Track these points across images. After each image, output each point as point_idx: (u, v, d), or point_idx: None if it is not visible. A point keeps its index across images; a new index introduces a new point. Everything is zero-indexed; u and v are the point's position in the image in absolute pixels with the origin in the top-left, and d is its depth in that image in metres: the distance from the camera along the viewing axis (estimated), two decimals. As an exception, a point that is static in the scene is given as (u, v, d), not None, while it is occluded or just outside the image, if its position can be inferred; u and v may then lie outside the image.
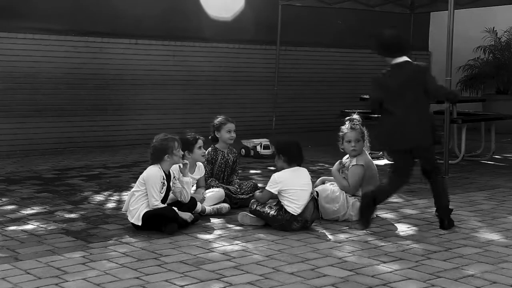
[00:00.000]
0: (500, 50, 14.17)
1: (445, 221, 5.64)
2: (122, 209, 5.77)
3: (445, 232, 5.58)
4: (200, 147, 6.25)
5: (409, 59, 5.58)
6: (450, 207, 5.72)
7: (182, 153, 5.78)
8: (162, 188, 5.58)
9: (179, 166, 5.83)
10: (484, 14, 13.67)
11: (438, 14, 14.45)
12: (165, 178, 5.60)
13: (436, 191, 5.67)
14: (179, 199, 5.79)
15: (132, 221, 5.53)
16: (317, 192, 5.81)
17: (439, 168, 5.79)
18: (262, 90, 12.67)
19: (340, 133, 6.21)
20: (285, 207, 5.57)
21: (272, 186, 5.66)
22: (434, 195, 5.70)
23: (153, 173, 5.56)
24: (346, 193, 5.98)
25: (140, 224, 5.48)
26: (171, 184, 5.68)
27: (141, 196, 5.55)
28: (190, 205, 5.84)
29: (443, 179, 5.83)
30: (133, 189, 5.64)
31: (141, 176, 5.62)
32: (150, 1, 11.55)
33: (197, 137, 6.27)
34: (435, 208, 5.72)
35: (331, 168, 6.25)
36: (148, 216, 5.47)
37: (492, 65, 14.09)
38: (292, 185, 5.60)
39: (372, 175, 6.08)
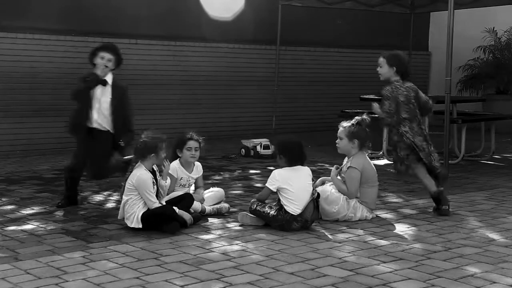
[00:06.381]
0: (500, 50, 14.17)
1: None
2: (118, 217, 5.75)
3: (445, 232, 5.59)
4: (189, 148, 6.18)
5: None
6: None
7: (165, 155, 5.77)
8: (154, 187, 5.58)
9: (162, 167, 5.85)
10: (484, 14, 13.67)
11: (438, 14, 14.45)
12: (152, 177, 5.60)
13: None
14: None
15: (132, 225, 5.52)
16: (318, 193, 5.79)
17: None
18: (262, 90, 12.67)
19: None
20: (285, 207, 5.57)
21: (271, 182, 5.66)
22: None
23: (142, 178, 5.51)
24: (346, 197, 5.97)
25: (140, 226, 5.48)
26: (157, 177, 5.70)
27: (135, 201, 5.53)
28: (187, 203, 5.83)
29: None
30: (124, 197, 5.60)
31: (128, 183, 5.56)
32: (150, 1, 11.55)
33: (189, 137, 6.24)
34: None
35: (331, 168, 6.24)
36: (147, 216, 5.47)
37: (492, 65, 14.08)
38: (290, 185, 5.60)
39: (370, 177, 6.07)
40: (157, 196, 5.63)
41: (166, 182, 5.81)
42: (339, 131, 6.16)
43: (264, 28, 12.55)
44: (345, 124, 6.15)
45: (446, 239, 5.38)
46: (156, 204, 5.51)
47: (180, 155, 6.22)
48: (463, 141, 9.33)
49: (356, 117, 6.19)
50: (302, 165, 5.76)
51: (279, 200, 5.67)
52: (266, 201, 5.79)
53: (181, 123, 11.06)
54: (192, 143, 6.20)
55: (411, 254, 4.94)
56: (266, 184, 5.72)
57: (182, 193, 6.04)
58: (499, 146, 10.58)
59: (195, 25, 11.90)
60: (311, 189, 5.70)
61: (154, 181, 5.61)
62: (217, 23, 11.98)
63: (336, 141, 6.17)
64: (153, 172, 5.66)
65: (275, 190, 5.67)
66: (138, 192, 5.51)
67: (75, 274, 4.41)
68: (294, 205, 5.55)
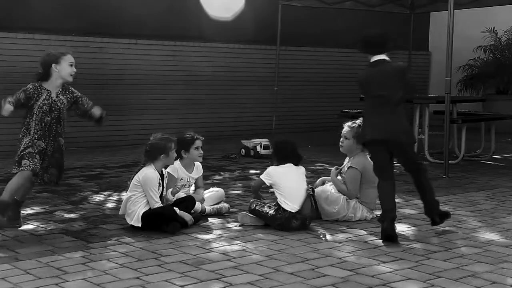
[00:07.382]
0: (500, 50, 14.18)
1: (436, 218, 5.60)
2: (119, 213, 5.77)
3: (445, 232, 5.59)
4: (197, 148, 6.21)
5: (386, 58, 5.48)
6: (436, 198, 5.68)
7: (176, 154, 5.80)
8: (159, 188, 5.58)
9: (172, 190, 5.86)
10: (484, 14, 13.68)
11: (438, 14, 14.46)
12: (160, 178, 5.60)
13: (420, 188, 5.66)
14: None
15: (131, 223, 5.53)
16: (312, 188, 5.85)
17: (421, 166, 5.73)
18: (262, 90, 12.67)
19: None
20: (282, 204, 5.59)
21: (265, 177, 5.77)
22: (419, 191, 5.70)
23: (150, 175, 5.54)
24: (346, 197, 5.97)
25: (140, 225, 5.48)
26: (164, 183, 5.69)
27: (138, 198, 5.54)
28: (188, 204, 5.84)
29: (425, 176, 5.70)
30: (128, 193, 5.62)
31: (135, 179, 5.59)
32: (150, 1, 11.55)
33: (196, 137, 6.25)
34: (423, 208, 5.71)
35: (331, 168, 6.25)
36: (147, 216, 5.47)
37: (492, 65, 14.09)
38: (284, 181, 5.66)
39: (370, 177, 6.06)
40: (160, 198, 5.63)
41: (172, 198, 5.84)
42: (345, 131, 6.14)
43: (264, 28, 12.54)
44: (351, 124, 6.15)
45: (446, 239, 5.38)
46: (158, 204, 5.52)
47: (185, 156, 6.21)
48: (463, 141, 9.33)
49: (361, 118, 6.19)
50: (296, 165, 5.80)
51: (277, 199, 5.69)
52: (266, 201, 5.83)
53: (181, 123, 11.05)
54: (199, 142, 6.25)
55: (411, 254, 4.95)
56: (261, 176, 5.79)
57: (184, 195, 6.05)
58: (499, 146, 10.58)
59: (195, 25, 11.90)
60: (305, 187, 5.73)
61: (161, 182, 5.62)
62: (217, 23, 11.97)
63: (341, 140, 6.16)
64: (161, 175, 5.67)
65: (268, 184, 5.76)
66: (143, 189, 5.52)
67: (75, 274, 4.41)
68: (291, 202, 5.58)
